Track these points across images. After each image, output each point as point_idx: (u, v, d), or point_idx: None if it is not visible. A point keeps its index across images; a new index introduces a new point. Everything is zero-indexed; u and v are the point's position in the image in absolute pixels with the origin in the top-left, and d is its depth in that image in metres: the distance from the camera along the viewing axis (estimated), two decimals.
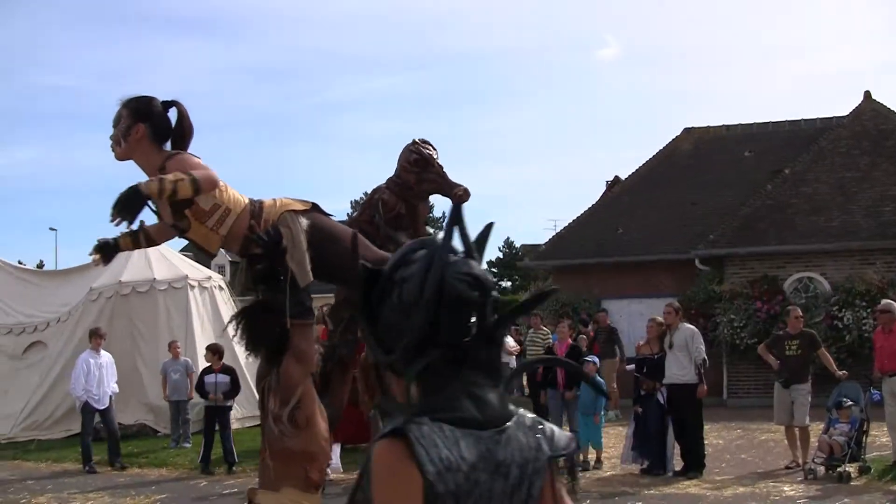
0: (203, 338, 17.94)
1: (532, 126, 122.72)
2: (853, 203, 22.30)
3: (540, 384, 14.33)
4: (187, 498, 11.92)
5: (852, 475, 11.78)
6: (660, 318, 13.05)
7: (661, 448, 12.57)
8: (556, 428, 2.37)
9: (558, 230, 29.12)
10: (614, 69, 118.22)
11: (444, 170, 10.83)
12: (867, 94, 25.53)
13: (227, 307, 19.44)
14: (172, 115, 5.81)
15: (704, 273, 22.90)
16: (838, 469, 11.78)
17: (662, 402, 12.62)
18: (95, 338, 14.89)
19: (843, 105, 54.93)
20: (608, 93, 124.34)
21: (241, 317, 5.59)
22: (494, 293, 2.27)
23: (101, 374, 14.56)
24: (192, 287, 18.33)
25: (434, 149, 11.01)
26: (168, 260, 19.26)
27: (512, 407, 2.31)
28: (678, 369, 12.45)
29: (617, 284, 24.18)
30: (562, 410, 13.50)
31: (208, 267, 25.44)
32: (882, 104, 25.28)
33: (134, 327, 17.33)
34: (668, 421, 12.59)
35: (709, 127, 28.73)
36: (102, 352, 14.93)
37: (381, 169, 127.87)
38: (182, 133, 5.71)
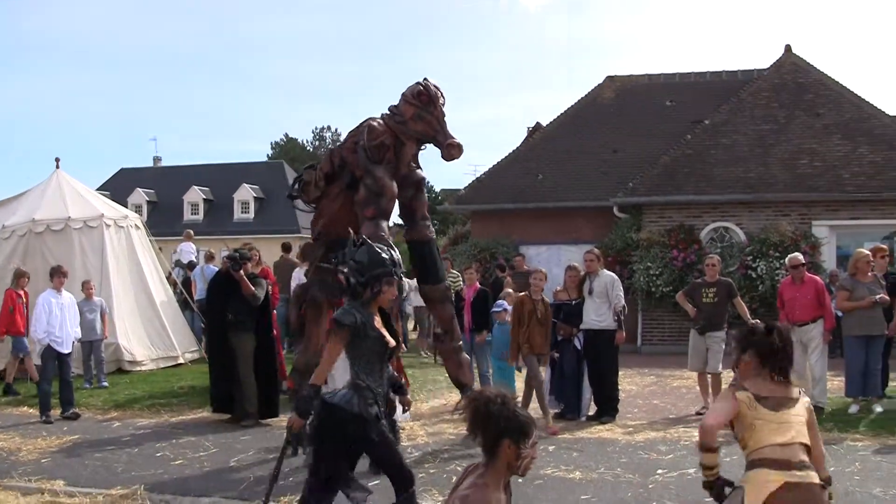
0: (118, 277, 17.64)
1: (453, 71, 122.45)
2: (770, 155, 22.62)
3: None
4: (101, 438, 11.73)
5: None
6: (578, 265, 13.08)
7: (576, 393, 12.69)
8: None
9: (478, 175, 29.13)
10: (537, 16, 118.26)
11: (445, 120, 10.50)
12: (788, 48, 25.85)
13: (143, 247, 19.08)
14: None
15: (622, 221, 23.13)
16: None
17: (579, 347, 12.72)
18: (58, 276, 13.83)
19: (764, 58, 55.52)
20: (532, 40, 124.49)
21: None
22: None
23: (63, 316, 13.49)
24: (108, 226, 17.82)
25: (443, 96, 10.67)
26: (84, 198, 18.68)
27: None
28: (596, 315, 12.51)
29: (535, 230, 24.34)
30: (469, 354, 13.01)
31: (125, 206, 24.95)
32: (802, 58, 25.60)
33: (48, 266, 16.81)
34: (583, 366, 12.71)
35: (631, 75, 28.92)
36: (64, 292, 13.91)
37: (299, 111, 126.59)
38: None
